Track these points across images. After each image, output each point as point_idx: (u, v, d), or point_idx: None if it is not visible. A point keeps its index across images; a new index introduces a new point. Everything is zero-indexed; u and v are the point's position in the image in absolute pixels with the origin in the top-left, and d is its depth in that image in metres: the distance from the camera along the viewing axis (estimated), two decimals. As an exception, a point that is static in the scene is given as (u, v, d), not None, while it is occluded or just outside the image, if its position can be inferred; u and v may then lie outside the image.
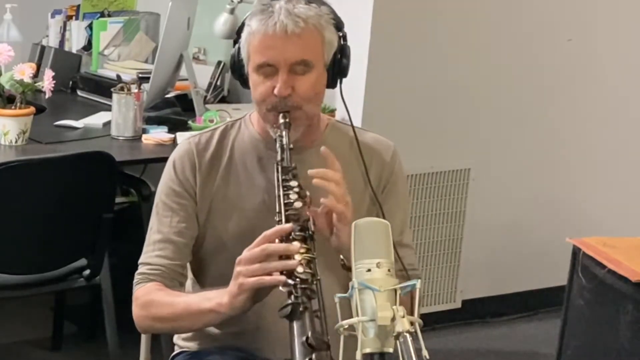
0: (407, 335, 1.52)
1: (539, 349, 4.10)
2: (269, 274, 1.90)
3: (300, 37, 2.04)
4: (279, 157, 2.06)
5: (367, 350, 1.54)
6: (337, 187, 2.00)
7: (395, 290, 1.58)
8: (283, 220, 1.97)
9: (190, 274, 2.27)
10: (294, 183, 2.02)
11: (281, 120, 2.08)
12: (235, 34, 2.16)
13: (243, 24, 2.12)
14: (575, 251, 2.87)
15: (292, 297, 1.85)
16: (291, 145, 2.07)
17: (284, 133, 2.07)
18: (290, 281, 1.87)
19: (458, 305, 4.30)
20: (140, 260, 2.20)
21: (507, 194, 4.30)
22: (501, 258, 4.36)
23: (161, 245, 2.16)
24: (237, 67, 2.16)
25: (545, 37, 4.21)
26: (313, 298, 1.86)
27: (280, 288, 1.88)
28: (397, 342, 1.54)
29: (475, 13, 4.05)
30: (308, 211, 1.99)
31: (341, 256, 2.04)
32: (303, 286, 1.85)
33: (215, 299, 2.00)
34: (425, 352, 1.52)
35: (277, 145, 2.08)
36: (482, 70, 4.11)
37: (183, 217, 2.17)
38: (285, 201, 1.99)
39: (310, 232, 1.96)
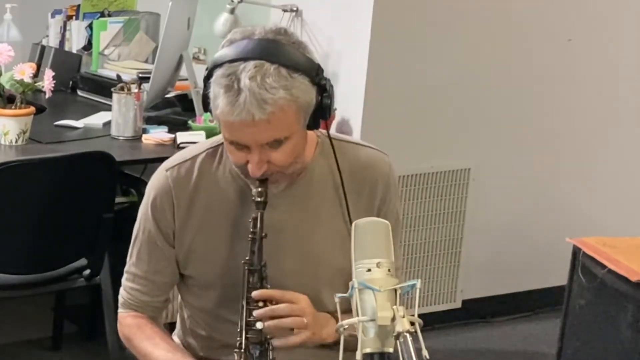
0: (407, 335, 1.52)
1: (539, 349, 4.10)
2: None
3: (269, 122, 1.85)
4: (249, 247, 1.95)
5: (367, 350, 1.54)
6: (288, 339, 1.95)
7: (395, 290, 1.58)
8: (243, 343, 1.93)
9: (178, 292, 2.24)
10: (257, 293, 1.94)
11: (257, 198, 1.95)
12: (206, 70, 1.91)
13: (212, 71, 1.88)
14: (575, 251, 2.87)
15: None
16: (264, 233, 1.95)
17: (258, 212, 1.95)
18: None
19: (458, 305, 4.30)
20: (123, 278, 2.17)
21: (507, 194, 4.30)
22: (501, 258, 4.36)
23: (141, 282, 2.13)
24: (206, 104, 1.95)
25: (545, 37, 4.21)
26: None
27: None
28: (397, 342, 1.54)
29: (475, 13, 4.04)
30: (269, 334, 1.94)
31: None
32: None
33: None
34: (425, 352, 1.52)
35: (250, 220, 1.96)
36: (482, 70, 4.11)
37: (161, 258, 2.11)
38: (248, 319, 1.94)
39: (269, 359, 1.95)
